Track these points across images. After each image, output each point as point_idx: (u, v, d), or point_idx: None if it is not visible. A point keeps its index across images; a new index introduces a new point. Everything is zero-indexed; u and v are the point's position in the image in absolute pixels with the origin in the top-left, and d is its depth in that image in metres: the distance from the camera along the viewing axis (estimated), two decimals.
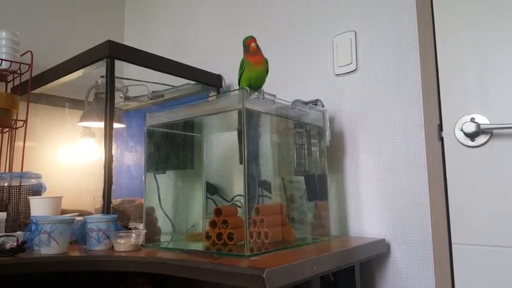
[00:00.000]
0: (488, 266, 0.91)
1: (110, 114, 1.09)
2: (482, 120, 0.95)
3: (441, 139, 1.01)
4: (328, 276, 0.98)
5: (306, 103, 1.17)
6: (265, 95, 0.94)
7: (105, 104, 1.11)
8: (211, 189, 1.14)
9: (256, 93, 0.92)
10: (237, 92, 0.91)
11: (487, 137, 0.94)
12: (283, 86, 1.33)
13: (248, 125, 0.87)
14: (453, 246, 0.96)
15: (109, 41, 1.14)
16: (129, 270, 0.78)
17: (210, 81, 1.42)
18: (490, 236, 0.91)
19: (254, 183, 1.02)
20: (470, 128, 0.94)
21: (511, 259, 0.88)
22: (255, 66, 0.96)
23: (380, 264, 1.07)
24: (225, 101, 0.99)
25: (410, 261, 1.03)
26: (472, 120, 0.96)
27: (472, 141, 0.96)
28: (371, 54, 1.15)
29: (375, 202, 1.09)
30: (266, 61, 1.01)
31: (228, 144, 1.31)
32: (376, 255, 1.04)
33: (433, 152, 1.01)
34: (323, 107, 1.18)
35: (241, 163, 0.84)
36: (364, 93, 1.16)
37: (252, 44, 0.93)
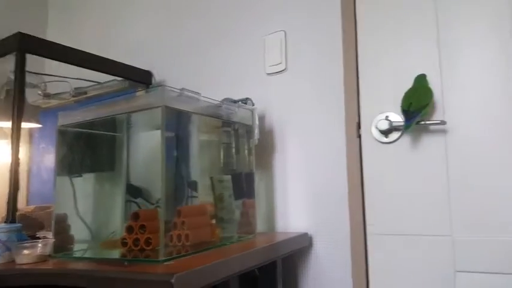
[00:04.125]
0: (397, 252, 0.97)
1: (18, 113, 1.00)
2: (395, 118, 1.01)
3: (359, 136, 1.06)
4: (253, 271, 0.98)
5: (235, 101, 1.17)
6: (188, 93, 0.91)
7: (13, 102, 1.01)
8: (135, 192, 1.09)
9: (178, 91, 0.89)
10: (157, 89, 0.87)
11: (399, 133, 1.01)
12: (217, 85, 1.31)
13: (169, 124, 0.84)
14: (368, 236, 1.01)
15: (19, 32, 1.04)
16: (29, 284, 0.71)
17: (138, 78, 1.36)
18: (399, 226, 0.98)
19: (178, 184, 0.99)
20: (384, 125, 1.00)
21: (416, 245, 0.96)
22: None
23: (303, 258, 1.09)
24: (145, 98, 0.95)
25: (331, 253, 1.06)
26: (386, 118, 1.01)
27: (386, 137, 1.02)
28: (299, 54, 1.18)
29: (300, 197, 1.12)
30: None
31: (153, 144, 1.26)
32: (299, 250, 1.06)
33: (352, 148, 1.05)
34: (253, 105, 1.18)
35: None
36: (293, 92, 1.18)
37: None
